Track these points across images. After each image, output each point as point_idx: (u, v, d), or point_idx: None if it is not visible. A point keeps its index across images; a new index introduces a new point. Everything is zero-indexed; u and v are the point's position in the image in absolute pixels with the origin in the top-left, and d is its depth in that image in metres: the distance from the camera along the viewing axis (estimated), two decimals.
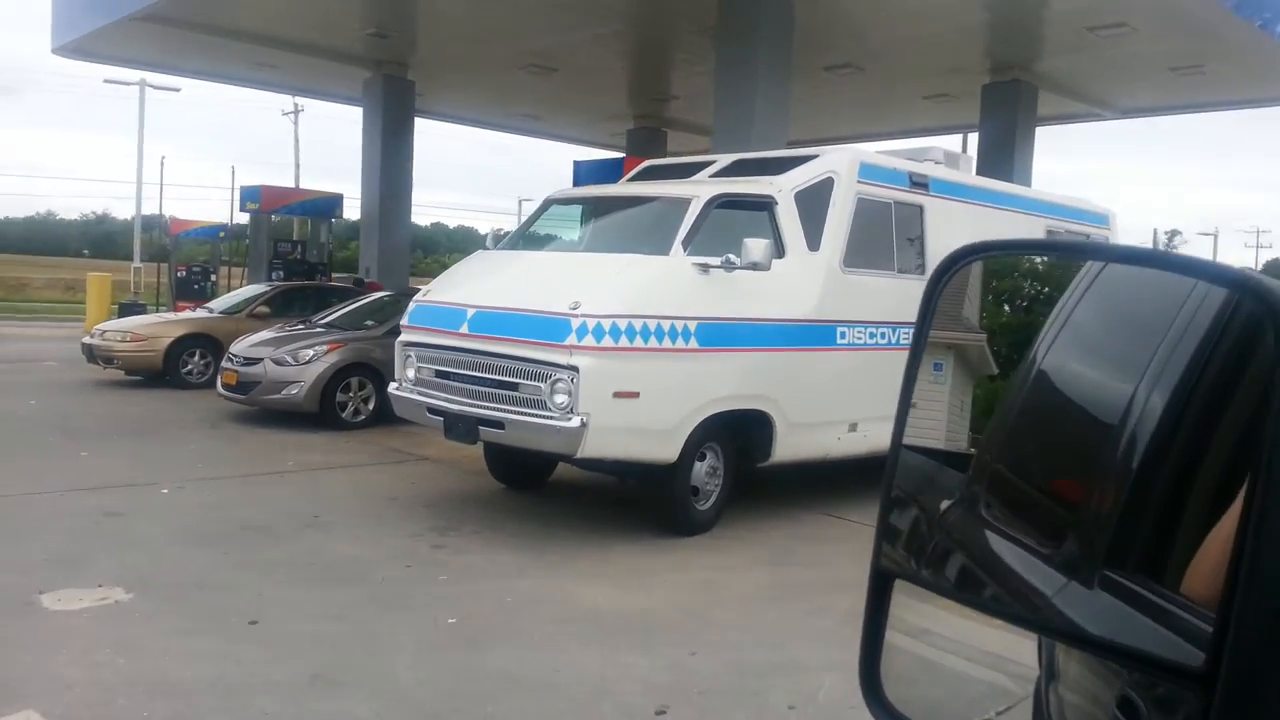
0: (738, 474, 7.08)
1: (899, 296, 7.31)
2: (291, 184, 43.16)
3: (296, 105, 48.28)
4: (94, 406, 11.11)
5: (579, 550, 6.27)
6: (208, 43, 15.31)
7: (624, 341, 6.06)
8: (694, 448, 6.54)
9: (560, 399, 6.05)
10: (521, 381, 6.25)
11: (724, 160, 7.98)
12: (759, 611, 5.27)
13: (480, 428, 6.37)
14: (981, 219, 8.54)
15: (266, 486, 7.60)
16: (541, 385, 6.13)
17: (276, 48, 15.62)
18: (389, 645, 4.51)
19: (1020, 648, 0.86)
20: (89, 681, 3.97)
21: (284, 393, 10.01)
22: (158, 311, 18.59)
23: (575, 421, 5.96)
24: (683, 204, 6.77)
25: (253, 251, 19.64)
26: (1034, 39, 13.90)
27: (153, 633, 4.53)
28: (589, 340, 5.98)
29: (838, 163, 7.35)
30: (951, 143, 20.52)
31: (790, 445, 7.02)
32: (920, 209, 7.94)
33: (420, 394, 6.90)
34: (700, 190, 6.91)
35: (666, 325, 6.23)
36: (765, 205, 7.01)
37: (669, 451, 6.34)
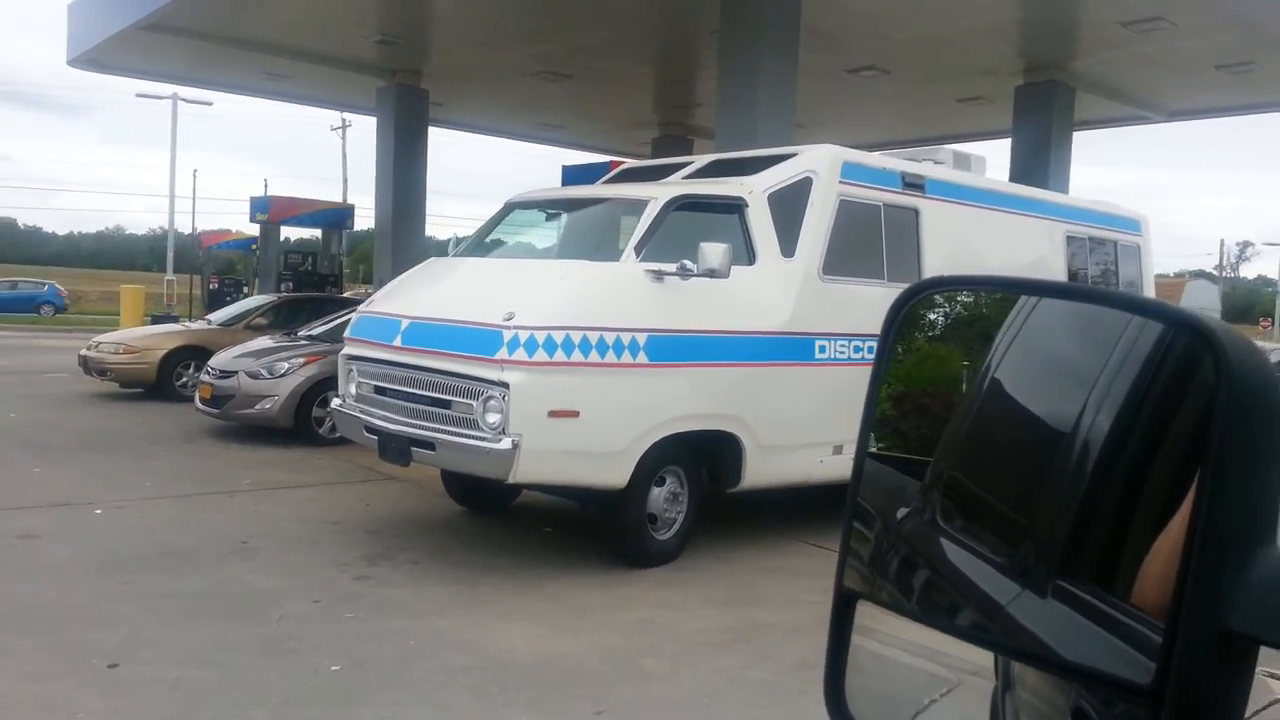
0: (706, 500, 6.49)
1: None
2: (339, 198, 43.98)
3: (345, 120, 48.77)
4: (74, 419, 10.83)
5: (516, 584, 5.72)
6: (217, 52, 15.10)
7: (561, 355, 5.51)
8: (649, 472, 5.96)
9: (492, 418, 5.53)
10: (454, 399, 5.74)
11: (701, 161, 7.42)
12: (695, 660, 4.67)
13: (412, 449, 5.87)
14: (987, 223, 7.86)
15: (209, 507, 7.17)
16: (474, 403, 5.61)
17: (287, 57, 15.35)
18: (250, 696, 4.00)
19: (952, 642, 0.83)
20: None
21: (257, 407, 9.60)
22: (186, 323, 18.49)
23: (506, 443, 5.43)
24: (640, 206, 6.23)
25: (263, 263, 19.47)
26: (1067, 36, 13.05)
27: None
28: (521, 354, 5.44)
29: (816, 161, 6.73)
30: (997, 148, 19.57)
31: (762, 469, 6.40)
32: (915, 212, 7.27)
33: (360, 411, 6.43)
34: (661, 192, 6.35)
35: (612, 338, 5.66)
36: (735, 208, 6.43)
37: (617, 476, 5.78)
